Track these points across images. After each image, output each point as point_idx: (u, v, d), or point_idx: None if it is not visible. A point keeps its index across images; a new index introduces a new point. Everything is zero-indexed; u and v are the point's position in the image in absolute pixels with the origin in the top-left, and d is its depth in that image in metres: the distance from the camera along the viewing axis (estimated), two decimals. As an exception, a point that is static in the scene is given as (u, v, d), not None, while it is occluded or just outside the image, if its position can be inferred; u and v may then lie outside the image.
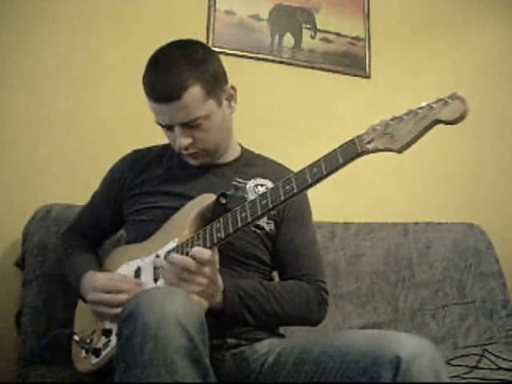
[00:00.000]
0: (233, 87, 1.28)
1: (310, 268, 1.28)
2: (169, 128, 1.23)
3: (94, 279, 1.19)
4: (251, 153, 1.41)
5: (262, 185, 1.27)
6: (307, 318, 1.25)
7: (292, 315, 1.21)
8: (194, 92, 1.17)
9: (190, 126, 1.20)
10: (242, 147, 1.40)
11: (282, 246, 1.28)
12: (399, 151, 0.90)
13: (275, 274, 1.34)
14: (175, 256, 1.05)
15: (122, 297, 1.11)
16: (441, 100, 0.88)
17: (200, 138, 1.22)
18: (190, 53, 1.20)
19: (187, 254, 1.05)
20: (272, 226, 1.27)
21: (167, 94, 1.16)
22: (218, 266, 1.07)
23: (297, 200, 1.29)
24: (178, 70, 1.16)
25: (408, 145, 0.90)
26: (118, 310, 1.07)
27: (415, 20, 2.37)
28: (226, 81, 1.27)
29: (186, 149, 1.23)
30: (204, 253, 1.02)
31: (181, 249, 1.11)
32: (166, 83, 1.16)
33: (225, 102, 1.26)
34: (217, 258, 1.07)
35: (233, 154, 1.35)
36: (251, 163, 1.36)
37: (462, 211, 2.28)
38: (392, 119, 0.94)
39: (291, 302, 1.20)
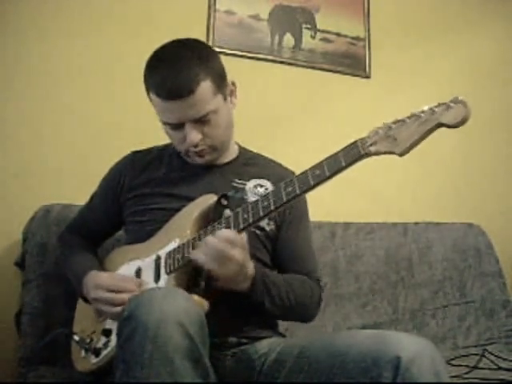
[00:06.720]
0: (233, 83, 1.29)
1: (310, 267, 1.31)
2: (177, 126, 1.21)
3: (97, 278, 1.19)
4: (249, 152, 1.41)
5: (261, 185, 1.27)
6: (308, 312, 1.28)
7: (299, 308, 1.22)
8: (206, 86, 1.17)
9: (200, 121, 1.20)
10: (239, 146, 1.40)
11: (283, 246, 1.29)
12: (401, 154, 0.92)
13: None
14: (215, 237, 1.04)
15: (124, 296, 1.11)
16: (443, 104, 0.89)
17: (209, 134, 1.22)
18: (196, 49, 1.21)
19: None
20: (273, 226, 1.27)
21: (180, 90, 1.15)
22: (248, 251, 1.07)
23: (297, 201, 1.30)
24: (188, 65, 1.16)
25: (410, 148, 0.91)
26: (120, 308, 1.07)
27: (415, 20, 2.37)
28: (226, 76, 1.28)
29: (196, 146, 1.23)
30: (231, 236, 1.03)
31: (182, 249, 1.11)
32: (177, 79, 1.15)
33: (227, 98, 1.27)
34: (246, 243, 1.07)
35: (231, 153, 1.35)
36: (249, 163, 1.36)
37: (461, 211, 2.28)
38: (394, 122, 0.94)
39: (301, 294, 1.22)
